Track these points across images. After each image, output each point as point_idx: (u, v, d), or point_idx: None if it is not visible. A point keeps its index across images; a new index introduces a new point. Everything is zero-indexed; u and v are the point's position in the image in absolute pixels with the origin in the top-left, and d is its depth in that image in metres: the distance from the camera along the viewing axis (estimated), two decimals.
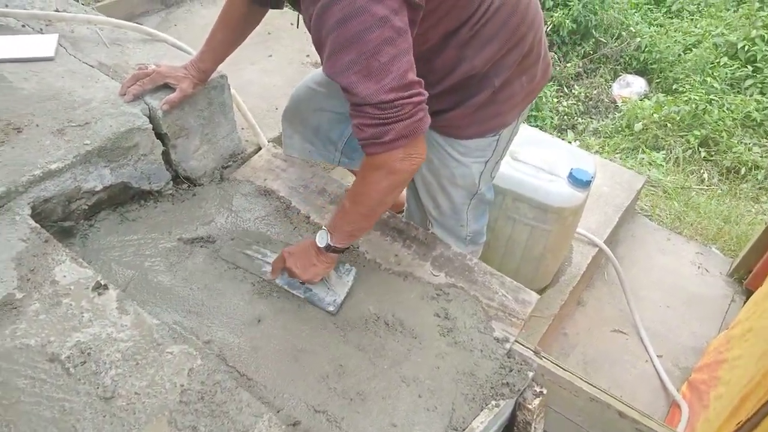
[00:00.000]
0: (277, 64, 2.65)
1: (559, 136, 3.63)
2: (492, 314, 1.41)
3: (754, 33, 4.11)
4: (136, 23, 1.79)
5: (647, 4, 4.83)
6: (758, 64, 4.00)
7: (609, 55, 4.28)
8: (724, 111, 3.71)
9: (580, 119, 3.93)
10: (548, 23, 4.21)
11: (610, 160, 3.14)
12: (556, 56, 4.22)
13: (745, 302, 2.38)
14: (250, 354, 1.28)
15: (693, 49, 4.27)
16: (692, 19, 4.70)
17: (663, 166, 3.46)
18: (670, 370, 2.19)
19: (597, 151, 3.53)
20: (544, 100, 3.84)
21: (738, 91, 3.95)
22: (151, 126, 1.48)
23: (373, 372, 1.28)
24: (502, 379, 1.29)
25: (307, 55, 2.74)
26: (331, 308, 1.37)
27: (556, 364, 1.39)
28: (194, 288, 1.39)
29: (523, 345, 1.38)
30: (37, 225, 1.27)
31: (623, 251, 2.59)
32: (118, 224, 1.51)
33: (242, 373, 1.25)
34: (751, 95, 3.88)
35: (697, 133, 3.57)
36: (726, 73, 4.00)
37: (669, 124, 3.67)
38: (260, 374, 1.25)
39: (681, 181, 3.31)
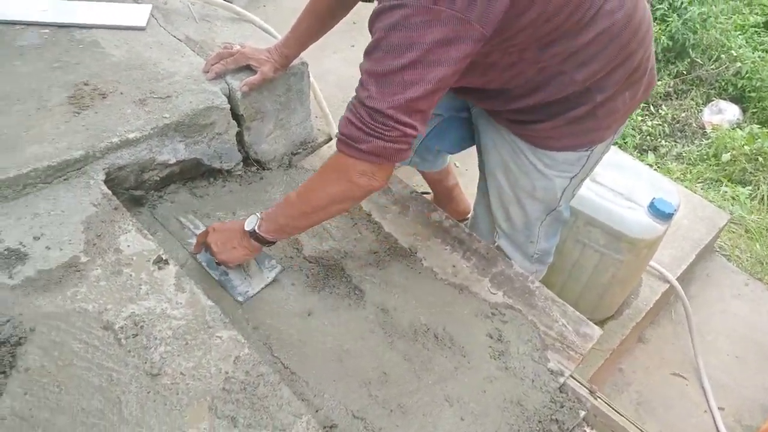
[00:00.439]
0: (359, 55, 2.58)
1: (638, 157, 3.44)
2: (549, 343, 1.34)
3: None
4: (227, 1, 1.80)
5: (755, 27, 4.50)
6: None
7: (703, 78, 4.01)
8: None
9: (663, 141, 3.70)
10: None
11: (691, 190, 2.95)
12: None
13: None
14: (296, 347, 1.27)
15: None
16: None
17: (747, 203, 3.21)
18: (732, 426, 2.03)
19: (678, 178, 3.32)
20: None
21: None
22: (229, 106, 1.49)
23: (417, 385, 1.24)
24: (552, 415, 1.22)
25: None
26: (240, 298, 1.33)
27: (611, 407, 1.30)
28: None
29: (577, 381, 1.31)
30: (109, 191, 1.30)
31: (695, 291, 2.42)
32: (186, 198, 1.53)
33: (286, 365, 1.24)
34: None
35: None
36: None
37: (760, 158, 3.40)
38: (304, 369, 1.24)
39: (766, 222, 3.07)
